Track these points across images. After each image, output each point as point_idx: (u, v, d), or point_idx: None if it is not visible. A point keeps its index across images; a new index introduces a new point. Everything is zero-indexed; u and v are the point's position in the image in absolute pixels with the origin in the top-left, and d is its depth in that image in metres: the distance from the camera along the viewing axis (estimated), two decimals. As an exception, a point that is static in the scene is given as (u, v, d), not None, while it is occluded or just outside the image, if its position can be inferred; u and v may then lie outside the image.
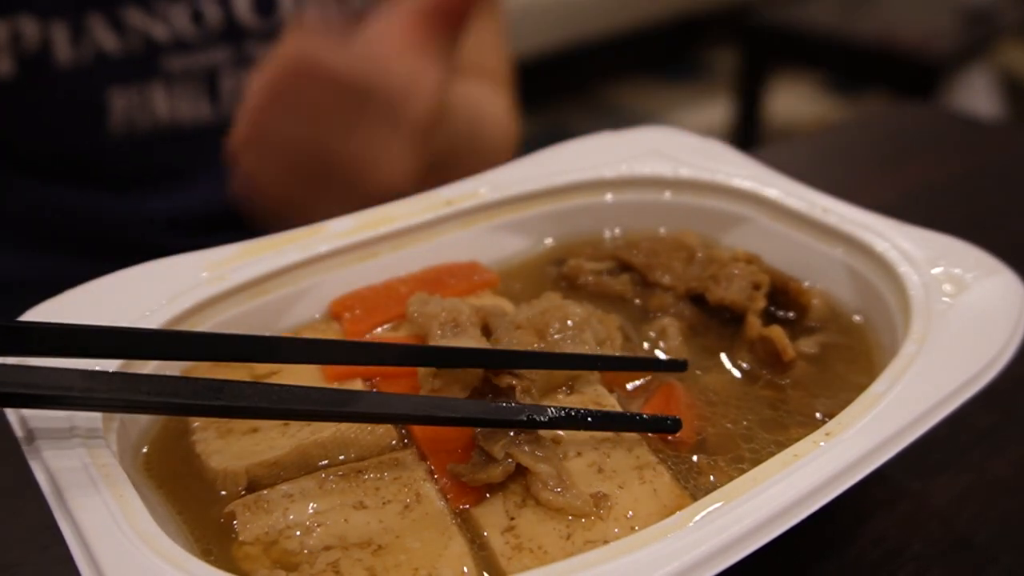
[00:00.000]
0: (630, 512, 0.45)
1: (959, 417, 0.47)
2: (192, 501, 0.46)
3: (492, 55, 1.08)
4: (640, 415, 0.50)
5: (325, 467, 0.47)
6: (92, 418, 0.44)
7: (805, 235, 0.64)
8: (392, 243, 0.60)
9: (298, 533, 0.43)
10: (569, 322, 0.53)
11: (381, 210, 0.61)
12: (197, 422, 0.49)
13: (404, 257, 0.60)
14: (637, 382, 0.54)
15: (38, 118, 0.90)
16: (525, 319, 0.53)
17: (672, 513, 0.41)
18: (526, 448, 0.46)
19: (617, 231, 0.69)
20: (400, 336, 0.56)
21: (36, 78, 0.87)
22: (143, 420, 0.49)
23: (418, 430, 0.49)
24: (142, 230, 0.94)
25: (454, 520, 0.45)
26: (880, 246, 0.59)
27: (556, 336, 0.53)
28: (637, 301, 0.62)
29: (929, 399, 0.46)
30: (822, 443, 0.44)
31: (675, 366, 0.55)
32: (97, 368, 0.44)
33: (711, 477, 0.48)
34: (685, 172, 0.68)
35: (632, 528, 0.44)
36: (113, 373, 0.43)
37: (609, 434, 0.49)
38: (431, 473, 0.47)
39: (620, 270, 0.63)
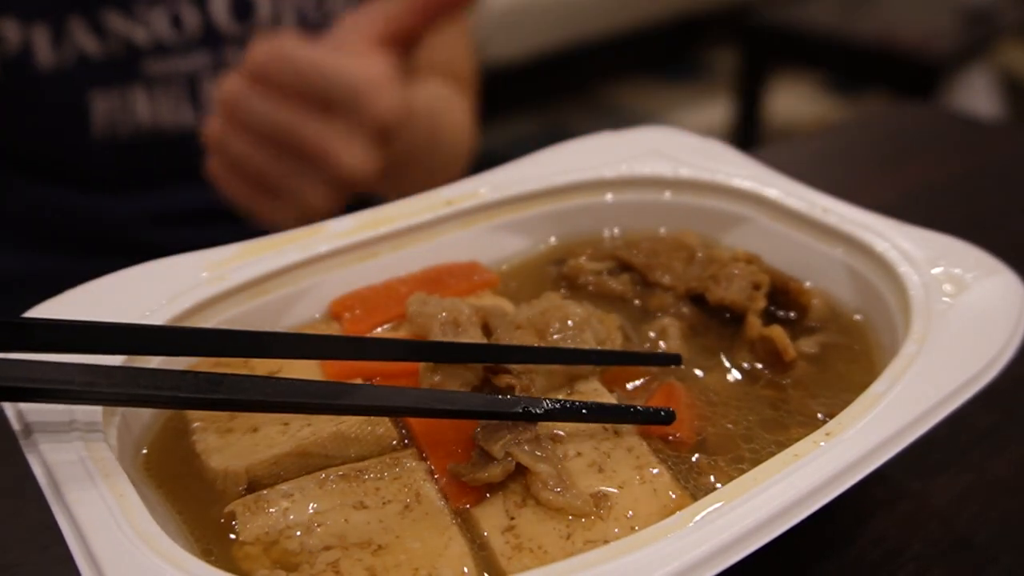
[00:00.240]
0: (630, 512, 0.45)
1: (959, 417, 0.47)
2: (192, 501, 0.46)
3: (459, 57, 1.09)
4: (634, 407, 0.50)
5: (325, 467, 0.47)
6: (93, 416, 0.44)
7: (805, 235, 0.64)
8: (392, 243, 0.60)
9: (298, 533, 0.43)
10: (569, 322, 0.53)
11: (381, 210, 0.61)
12: (197, 422, 0.49)
13: (404, 257, 0.60)
14: (637, 382, 0.54)
15: (23, 120, 0.91)
16: (525, 319, 0.53)
17: (672, 513, 0.41)
18: (526, 448, 0.46)
19: (617, 231, 0.69)
20: (400, 336, 0.56)
21: (18, 81, 0.88)
22: (143, 419, 0.49)
23: (418, 429, 0.49)
24: (139, 229, 0.94)
25: (454, 520, 0.45)
26: (880, 246, 0.59)
27: (556, 336, 0.53)
28: (637, 301, 0.62)
29: (929, 399, 0.46)
30: (822, 443, 0.43)
31: (669, 359, 0.55)
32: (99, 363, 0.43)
33: (711, 477, 0.48)
34: (685, 172, 0.68)
35: (632, 528, 0.44)
36: (114, 367, 0.43)
37: (609, 434, 0.49)
38: (431, 473, 0.47)
39: (620, 270, 0.63)
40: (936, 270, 0.56)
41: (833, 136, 1.31)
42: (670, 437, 0.50)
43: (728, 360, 0.57)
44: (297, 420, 0.48)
